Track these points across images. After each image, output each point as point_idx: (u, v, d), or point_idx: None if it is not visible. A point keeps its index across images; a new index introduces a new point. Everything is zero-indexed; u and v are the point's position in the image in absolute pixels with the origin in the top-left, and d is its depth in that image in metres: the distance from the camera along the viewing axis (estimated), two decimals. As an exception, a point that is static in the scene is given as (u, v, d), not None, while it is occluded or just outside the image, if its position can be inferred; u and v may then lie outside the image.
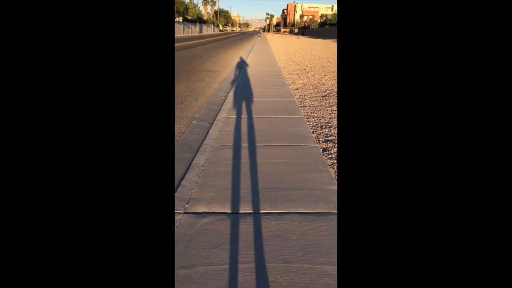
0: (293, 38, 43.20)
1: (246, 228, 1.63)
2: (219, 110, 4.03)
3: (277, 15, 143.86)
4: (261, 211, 1.78)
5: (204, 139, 2.99)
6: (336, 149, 2.84)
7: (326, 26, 52.46)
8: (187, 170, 2.32)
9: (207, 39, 28.31)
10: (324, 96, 5.08)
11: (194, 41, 23.55)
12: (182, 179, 2.18)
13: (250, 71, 7.52)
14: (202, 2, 74.08)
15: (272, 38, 38.39)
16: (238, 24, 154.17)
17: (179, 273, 1.33)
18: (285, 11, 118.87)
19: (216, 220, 1.70)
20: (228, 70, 8.13)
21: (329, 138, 3.09)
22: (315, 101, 4.67)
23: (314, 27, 66.81)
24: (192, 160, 2.50)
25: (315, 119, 3.77)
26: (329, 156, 2.66)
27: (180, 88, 5.70)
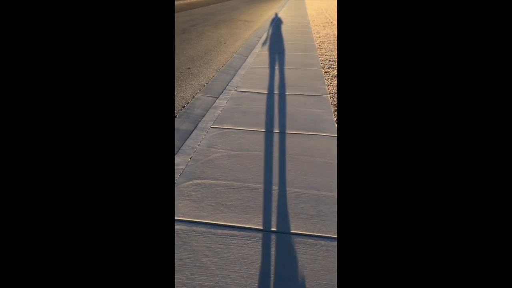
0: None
1: (274, 98, 3.03)
2: (253, 48, 5.30)
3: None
4: (285, 92, 3.16)
5: (243, 63, 4.34)
6: (334, 71, 4.08)
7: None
8: (233, 76, 3.72)
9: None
10: (341, 42, 6.12)
11: (229, -6, 23.82)
12: (230, 80, 3.59)
13: (281, 22, 8.51)
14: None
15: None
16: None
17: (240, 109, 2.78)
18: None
19: (253, 94, 3.11)
20: (262, 21, 9.15)
21: (332, 67, 4.31)
22: (331, 45, 5.77)
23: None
24: (236, 73, 3.89)
25: (326, 56, 4.94)
26: (327, 75, 3.92)
27: (222, 33, 6.95)
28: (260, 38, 6.23)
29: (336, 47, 5.66)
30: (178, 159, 1.97)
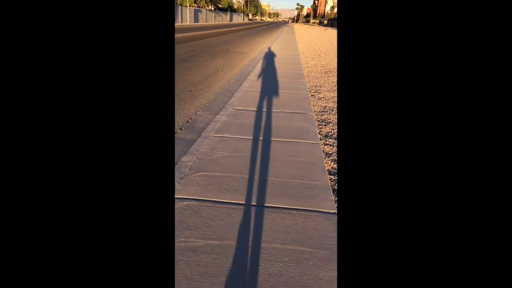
0: (321, 29, 43.90)
1: (266, 115, 3.50)
2: (248, 75, 5.90)
3: (308, 6, 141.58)
4: (276, 110, 3.65)
5: (239, 87, 4.88)
6: (319, 94, 4.63)
7: (355, 18, 52.00)
8: (231, 97, 4.23)
9: (237, 27, 30.14)
10: (327, 72, 6.80)
11: (225, 29, 25.47)
12: (228, 101, 4.09)
13: (273, 53, 9.30)
14: (233, -10, 75.53)
15: (299, 28, 39.48)
16: (267, 14, 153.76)
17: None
18: (316, 1, 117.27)
19: (248, 111, 3.59)
20: (256, 52, 9.96)
21: (318, 91, 4.87)
22: (318, 74, 6.42)
23: (343, 19, 66.01)
24: (232, 95, 4.41)
25: (313, 82, 5.54)
26: (313, 98, 4.45)
27: (219, 62, 7.62)
28: (254, 67, 6.88)
29: (321, 76, 6.31)
30: (186, 158, 2.37)
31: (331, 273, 1.35)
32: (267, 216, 1.71)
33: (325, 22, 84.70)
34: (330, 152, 2.70)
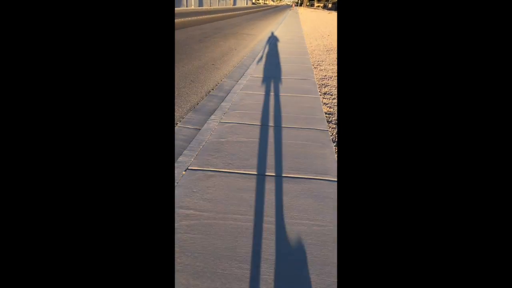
0: (325, 12, 43.82)
1: (276, 80, 4.42)
2: (258, 53, 6.77)
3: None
4: (284, 77, 4.57)
5: (252, 62, 5.77)
6: (321, 66, 5.52)
7: None
8: (246, 69, 5.14)
9: (241, 11, 30.48)
10: (328, 50, 7.64)
11: (230, 13, 25.92)
12: (245, 72, 5.00)
13: (279, 35, 10.09)
14: (237, -27, 74.42)
15: (303, 12, 39.51)
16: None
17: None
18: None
19: (262, 78, 4.51)
20: (263, 34, 10.75)
21: (320, 65, 5.75)
22: (320, 52, 7.27)
23: (348, 2, 65.11)
24: (248, 68, 5.31)
25: (315, 58, 6.41)
26: (316, 69, 5.35)
27: (231, 42, 8.46)
28: (263, 46, 7.73)
29: (323, 53, 7.17)
30: (224, 104, 3.32)
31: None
32: (280, 132, 2.67)
33: (330, 5, 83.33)
34: (327, 103, 3.63)
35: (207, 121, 2.85)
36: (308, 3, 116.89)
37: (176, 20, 14.28)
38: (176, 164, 2.10)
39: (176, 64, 5.47)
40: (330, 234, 1.53)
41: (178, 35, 9.46)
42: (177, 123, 2.96)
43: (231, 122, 2.81)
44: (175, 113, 3.22)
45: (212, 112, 3.15)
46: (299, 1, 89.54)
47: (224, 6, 45.86)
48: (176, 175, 1.98)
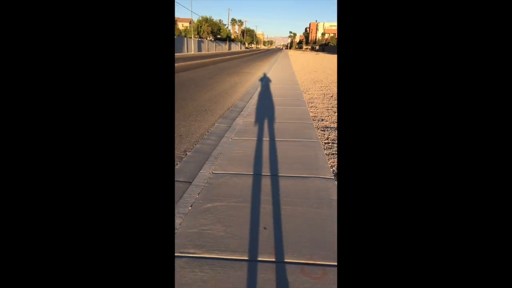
0: (313, 53, 48.07)
1: (272, 104, 6.07)
2: (259, 86, 8.56)
3: (300, 33, 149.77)
4: (276, 104, 6.22)
5: (254, 92, 7.48)
6: (306, 92, 7.22)
7: (344, 43, 56.52)
8: (250, 98, 6.82)
9: (237, 55, 33.72)
10: (314, 82, 9.50)
11: (227, 57, 28.89)
12: (249, 100, 6.67)
13: (272, 73, 12.10)
14: (230, 22, 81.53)
15: (293, 54, 43.43)
16: (262, 42, 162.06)
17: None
18: (308, 29, 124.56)
19: (263, 103, 6.16)
20: (260, 73, 12.79)
21: (307, 91, 7.47)
22: (308, 83, 9.11)
23: (333, 44, 71.21)
24: (251, 97, 7.00)
25: (304, 87, 8.19)
26: (304, 93, 7.04)
27: (235, 79, 10.33)
28: (262, 81, 9.57)
29: (310, 83, 9.00)
30: (242, 112, 4.87)
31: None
32: (276, 124, 4.19)
33: (317, 47, 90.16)
34: (313, 112, 5.21)
35: (240, 114, 4.37)
36: (297, 46, 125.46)
37: (182, 63, 16.50)
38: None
39: (198, 93, 7.14)
40: None
41: (190, 74, 11.36)
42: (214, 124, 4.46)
43: (247, 122, 4.35)
44: (214, 116, 4.73)
45: (236, 117, 4.68)
46: (289, 44, 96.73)
47: (221, 51, 50.03)
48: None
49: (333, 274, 1.39)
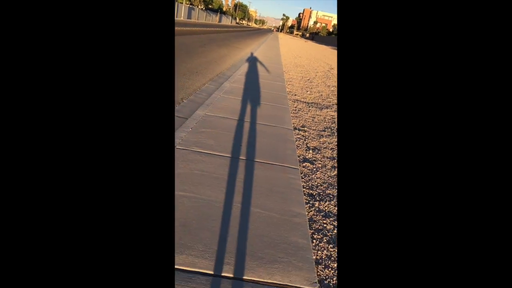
0: (302, 40, 48.53)
1: (255, 67, 6.90)
2: (246, 60, 9.29)
3: (293, 17, 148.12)
4: (259, 68, 7.05)
5: (242, 65, 8.23)
6: (287, 72, 8.11)
7: (333, 35, 57.69)
8: (238, 68, 7.58)
9: (227, 29, 33.53)
10: (296, 66, 10.38)
11: (217, 29, 28.78)
12: (240, 66, 7.44)
13: (260, 52, 12.79)
14: (224, -7, 79.05)
15: (283, 37, 43.66)
16: (254, 20, 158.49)
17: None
18: (301, 15, 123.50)
19: (249, 74, 6.97)
20: (248, 49, 13.41)
21: (288, 72, 8.35)
22: (290, 66, 9.98)
23: (323, 34, 71.87)
24: (239, 68, 7.76)
25: (286, 68, 9.06)
26: (285, 72, 7.91)
27: (225, 51, 10.94)
28: (250, 56, 10.30)
29: (292, 67, 9.88)
30: (230, 73, 5.66)
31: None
32: (261, 106, 5.06)
33: (307, 35, 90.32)
34: (289, 88, 6.11)
35: (227, 80, 5.16)
36: (288, 30, 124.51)
37: (176, 28, 16.55)
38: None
39: (190, 58, 7.76)
40: None
41: (181, 39, 11.75)
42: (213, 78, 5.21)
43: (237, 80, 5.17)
44: (207, 75, 5.47)
45: (224, 82, 5.46)
46: (280, 27, 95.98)
47: (210, 22, 48.96)
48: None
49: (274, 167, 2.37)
